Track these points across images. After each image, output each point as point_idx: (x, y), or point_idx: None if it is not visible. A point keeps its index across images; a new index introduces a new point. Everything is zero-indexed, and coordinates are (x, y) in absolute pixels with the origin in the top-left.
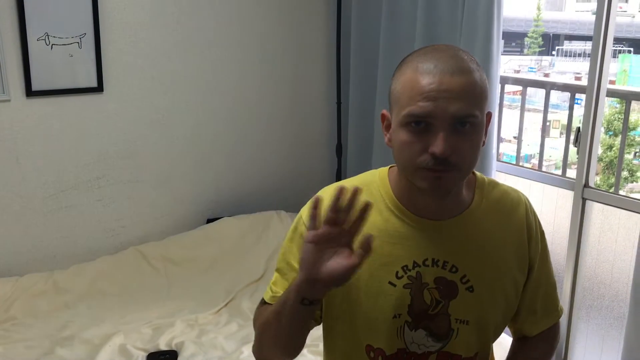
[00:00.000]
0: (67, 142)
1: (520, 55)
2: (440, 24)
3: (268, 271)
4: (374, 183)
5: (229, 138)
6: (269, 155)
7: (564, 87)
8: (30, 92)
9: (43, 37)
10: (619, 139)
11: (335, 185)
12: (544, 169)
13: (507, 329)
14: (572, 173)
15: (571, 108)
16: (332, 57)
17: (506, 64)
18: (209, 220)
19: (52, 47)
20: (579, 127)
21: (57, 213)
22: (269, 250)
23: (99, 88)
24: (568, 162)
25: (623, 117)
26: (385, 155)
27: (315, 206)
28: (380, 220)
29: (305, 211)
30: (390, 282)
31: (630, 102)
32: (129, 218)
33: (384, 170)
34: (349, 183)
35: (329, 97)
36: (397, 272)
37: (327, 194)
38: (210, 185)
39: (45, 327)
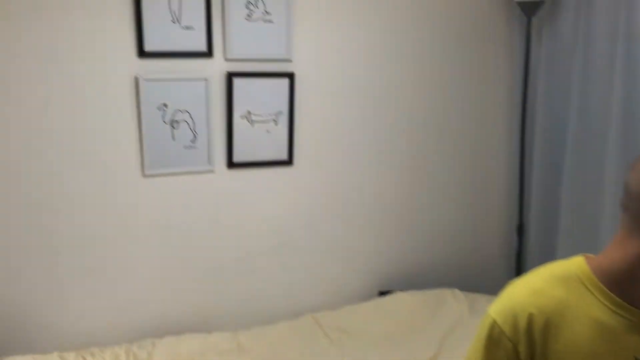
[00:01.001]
0: (259, 209)
1: None
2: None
3: (443, 349)
4: (574, 277)
5: (404, 211)
6: (444, 229)
7: None
8: (231, 164)
9: (245, 115)
10: None
11: (529, 288)
12: None
13: None
14: None
15: None
16: (515, 135)
17: None
18: (381, 293)
19: (252, 124)
20: None
21: (245, 275)
22: (443, 329)
23: (289, 161)
24: None
25: None
26: (573, 242)
27: None
28: (596, 318)
29: (499, 316)
30: None
31: None
32: (307, 285)
33: (580, 262)
34: (541, 276)
35: (510, 174)
36: None
37: (522, 297)
38: (384, 258)
39: None
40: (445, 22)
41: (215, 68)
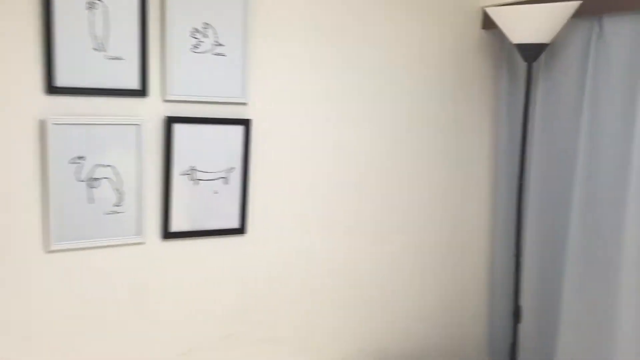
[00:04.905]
0: (203, 292)
1: None
2: None
3: None
4: None
5: (375, 290)
6: (419, 315)
7: None
8: (167, 234)
9: (188, 171)
10: None
11: None
12: None
13: None
14: None
15: None
16: (500, 199)
17: None
18: None
19: (196, 183)
20: None
21: None
22: None
23: (241, 229)
24: None
25: None
26: (578, 331)
27: None
28: None
29: None
30: None
31: None
32: None
33: None
34: None
35: (501, 243)
36: None
37: None
38: (356, 343)
39: None
40: (423, 64)
41: (151, 111)
